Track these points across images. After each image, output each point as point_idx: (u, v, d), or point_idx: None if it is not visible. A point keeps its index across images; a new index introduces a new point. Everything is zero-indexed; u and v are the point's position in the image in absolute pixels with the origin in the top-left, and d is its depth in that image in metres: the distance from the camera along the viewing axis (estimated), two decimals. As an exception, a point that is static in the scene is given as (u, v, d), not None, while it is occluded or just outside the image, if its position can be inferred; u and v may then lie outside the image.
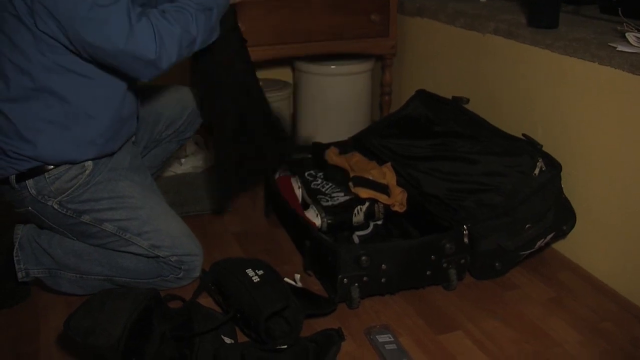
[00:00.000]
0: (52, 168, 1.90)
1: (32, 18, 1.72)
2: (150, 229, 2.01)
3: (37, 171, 1.89)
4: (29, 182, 1.90)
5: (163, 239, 2.03)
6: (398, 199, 2.38)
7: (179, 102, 2.32)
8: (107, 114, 1.93)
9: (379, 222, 2.42)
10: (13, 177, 1.90)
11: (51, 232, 2.05)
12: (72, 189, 1.93)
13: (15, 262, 2.01)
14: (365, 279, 1.99)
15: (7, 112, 1.83)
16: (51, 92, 1.82)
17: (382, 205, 2.38)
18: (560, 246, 2.35)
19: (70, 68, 1.82)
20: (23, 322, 1.98)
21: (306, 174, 2.54)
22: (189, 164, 3.01)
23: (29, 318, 2.00)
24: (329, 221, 2.32)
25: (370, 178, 2.43)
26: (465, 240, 2.10)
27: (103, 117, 1.92)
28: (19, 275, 2.01)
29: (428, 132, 2.58)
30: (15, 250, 2.01)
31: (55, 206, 1.93)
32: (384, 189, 2.40)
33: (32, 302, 2.07)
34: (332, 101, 3.15)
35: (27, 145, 1.85)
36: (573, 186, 2.22)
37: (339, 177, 2.49)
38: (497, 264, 2.16)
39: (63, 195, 1.93)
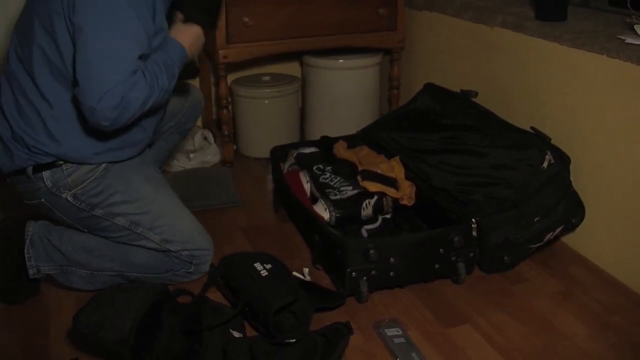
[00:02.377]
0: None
1: (68, 17, 1.73)
2: (162, 223, 2.02)
3: (54, 163, 1.90)
4: (45, 174, 1.91)
5: (175, 234, 2.04)
6: (406, 193, 2.38)
7: (177, 95, 2.32)
8: (131, 124, 1.95)
9: (388, 216, 2.42)
10: (30, 168, 1.90)
11: (62, 229, 2.06)
12: (88, 181, 1.93)
13: (26, 259, 2.02)
14: (373, 272, 1.99)
15: (40, 109, 1.85)
16: None
17: (390, 199, 2.38)
18: (569, 239, 2.34)
19: None
20: (33, 317, 1.99)
21: (314, 167, 2.54)
22: (198, 159, 3.01)
23: (39, 313, 2.01)
24: (337, 215, 2.32)
25: (379, 172, 2.43)
26: (474, 233, 2.09)
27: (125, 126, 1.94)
28: (30, 272, 2.02)
29: (437, 125, 2.57)
30: (26, 247, 2.02)
31: (70, 199, 1.94)
32: (392, 182, 2.40)
33: (43, 297, 2.08)
34: (341, 95, 3.15)
35: (53, 144, 1.87)
36: (582, 179, 2.22)
37: (348, 170, 2.49)
38: (505, 258, 2.15)
39: (78, 188, 1.93)
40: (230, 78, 3.10)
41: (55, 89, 1.83)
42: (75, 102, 1.79)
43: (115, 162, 1.98)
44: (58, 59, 1.80)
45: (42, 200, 1.97)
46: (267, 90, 3.10)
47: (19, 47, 1.86)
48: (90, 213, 1.97)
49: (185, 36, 1.98)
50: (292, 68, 3.46)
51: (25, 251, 2.02)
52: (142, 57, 1.78)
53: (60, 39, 1.77)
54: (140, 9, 1.75)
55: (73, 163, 1.91)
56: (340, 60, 3.12)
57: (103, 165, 1.96)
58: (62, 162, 1.90)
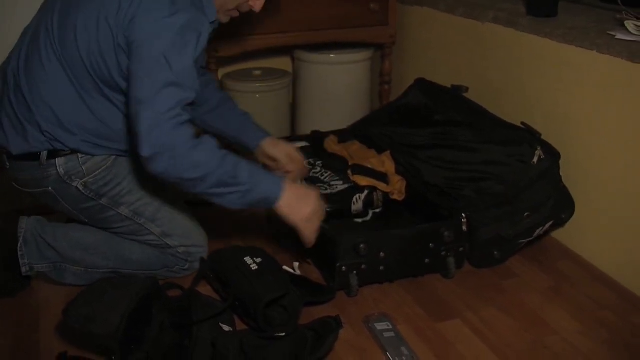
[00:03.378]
0: None
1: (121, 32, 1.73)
2: (164, 216, 2.02)
3: (71, 151, 1.89)
4: (59, 161, 1.88)
5: (175, 228, 2.04)
6: (397, 187, 2.38)
7: None
8: None
9: (378, 211, 2.42)
10: (45, 152, 1.87)
11: (56, 225, 2.05)
12: (100, 170, 1.92)
13: (19, 256, 2.00)
14: (363, 267, 2.00)
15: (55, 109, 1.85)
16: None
17: (381, 193, 2.38)
18: (559, 235, 2.35)
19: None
20: (23, 312, 1.98)
21: (305, 162, 2.54)
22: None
23: (29, 307, 2.00)
24: (327, 209, 2.31)
25: (369, 166, 2.43)
26: (464, 228, 2.10)
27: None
28: (23, 269, 2.00)
29: (428, 120, 2.57)
30: (19, 245, 2.00)
31: (80, 187, 1.91)
32: (382, 177, 2.40)
33: (33, 291, 2.07)
34: (332, 90, 3.15)
35: (68, 136, 1.86)
36: (572, 175, 2.22)
37: (338, 165, 2.49)
38: (496, 253, 2.16)
39: (90, 176, 1.91)
40: (222, 72, 3.09)
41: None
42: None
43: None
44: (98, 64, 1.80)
45: (49, 188, 1.93)
46: (258, 85, 3.09)
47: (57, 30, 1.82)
48: (96, 202, 1.95)
49: (297, 197, 1.88)
50: (283, 63, 3.45)
51: (18, 249, 2.00)
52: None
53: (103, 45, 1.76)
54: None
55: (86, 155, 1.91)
56: (332, 55, 3.12)
57: (114, 155, 1.96)
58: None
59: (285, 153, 2.25)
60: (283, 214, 1.86)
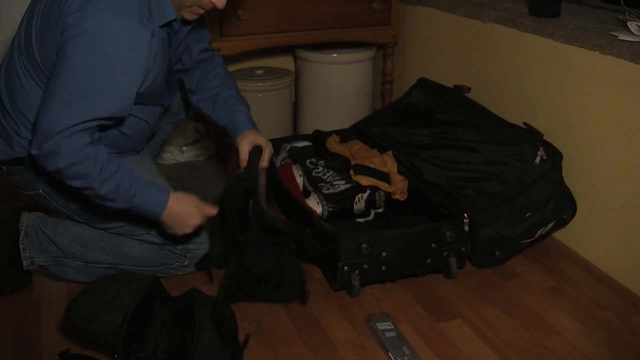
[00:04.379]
0: None
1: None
2: None
3: None
4: None
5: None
6: (399, 187, 2.38)
7: None
8: (142, 137, 2.02)
9: (380, 210, 2.43)
10: (28, 157, 1.88)
11: (57, 220, 2.05)
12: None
13: (21, 250, 2.01)
14: (365, 266, 2.00)
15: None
16: None
17: (383, 193, 2.38)
18: (560, 235, 2.35)
19: None
20: (25, 309, 1.99)
21: (307, 162, 2.54)
22: (191, 153, 3.01)
23: (30, 304, 2.01)
24: (329, 209, 2.32)
25: (371, 166, 2.43)
26: (466, 228, 2.10)
27: (135, 137, 1.99)
28: (25, 263, 2.01)
29: (429, 120, 2.58)
30: (21, 239, 2.01)
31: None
32: (384, 177, 2.40)
33: (34, 288, 2.08)
34: (334, 89, 3.15)
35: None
36: (574, 175, 2.23)
37: (340, 165, 2.49)
38: (497, 253, 2.16)
39: None
40: (224, 71, 3.09)
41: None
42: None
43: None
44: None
45: (40, 191, 1.96)
46: (260, 84, 3.09)
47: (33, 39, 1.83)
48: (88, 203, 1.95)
49: (178, 207, 1.89)
50: (285, 62, 3.46)
51: (20, 243, 2.01)
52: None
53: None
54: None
55: None
56: (334, 55, 3.12)
57: None
58: None
59: (249, 145, 2.11)
60: (163, 222, 1.91)
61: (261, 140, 2.08)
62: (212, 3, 1.85)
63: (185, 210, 1.89)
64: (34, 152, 1.69)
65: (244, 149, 2.05)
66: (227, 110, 2.17)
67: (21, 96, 1.84)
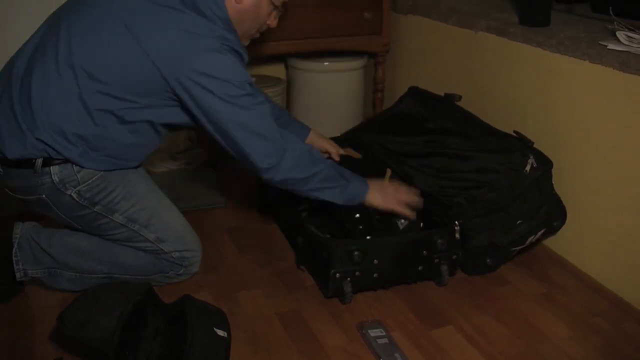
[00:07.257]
0: None
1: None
2: (157, 222, 2.02)
3: (66, 160, 1.88)
4: (54, 169, 1.86)
5: (169, 233, 2.04)
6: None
7: None
8: (147, 151, 2.04)
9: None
10: (40, 160, 1.85)
11: (51, 231, 2.04)
12: (94, 178, 1.91)
13: (14, 262, 2.00)
14: (357, 273, 2.01)
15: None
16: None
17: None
18: (551, 242, 2.36)
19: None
20: (18, 317, 1.98)
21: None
22: (183, 160, 3.01)
23: (24, 313, 2.00)
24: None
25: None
26: (457, 236, 2.11)
27: (139, 152, 2.01)
28: (18, 275, 2.00)
29: (420, 129, 2.59)
30: (14, 251, 2.00)
31: (74, 195, 1.90)
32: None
33: (27, 297, 2.08)
34: (325, 98, 3.16)
35: (70, 147, 1.85)
36: (564, 183, 2.24)
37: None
38: (488, 260, 2.17)
39: (84, 184, 1.90)
40: (216, 80, 3.09)
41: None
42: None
43: None
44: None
45: (43, 196, 1.91)
46: (252, 92, 3.09)
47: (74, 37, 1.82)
48: (90, 210, 1.94)
49: (382, 191, 2.14)
50: (277, 70, 3.46)
51: (13, 255, 2.00)
52: None
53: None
54: None
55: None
56: (325, 63, 3.13)
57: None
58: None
59: (331, 144, 2.47)
60: (373, 204, 2.12)
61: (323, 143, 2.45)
62: (268, 25, 1.95)
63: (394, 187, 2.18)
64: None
65: (329, 142, 2.47)
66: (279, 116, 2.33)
67: (55, 102, 1.81)
